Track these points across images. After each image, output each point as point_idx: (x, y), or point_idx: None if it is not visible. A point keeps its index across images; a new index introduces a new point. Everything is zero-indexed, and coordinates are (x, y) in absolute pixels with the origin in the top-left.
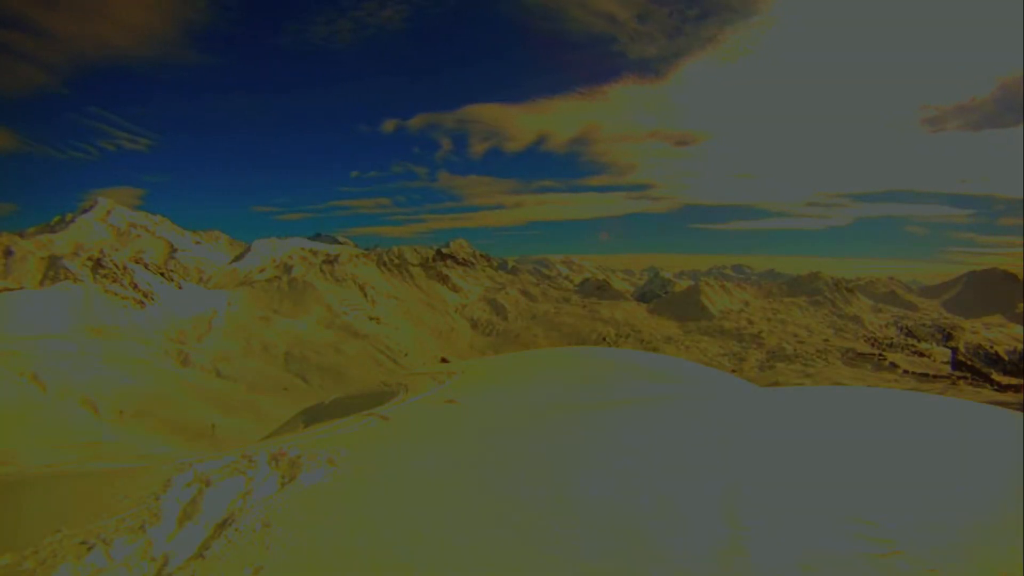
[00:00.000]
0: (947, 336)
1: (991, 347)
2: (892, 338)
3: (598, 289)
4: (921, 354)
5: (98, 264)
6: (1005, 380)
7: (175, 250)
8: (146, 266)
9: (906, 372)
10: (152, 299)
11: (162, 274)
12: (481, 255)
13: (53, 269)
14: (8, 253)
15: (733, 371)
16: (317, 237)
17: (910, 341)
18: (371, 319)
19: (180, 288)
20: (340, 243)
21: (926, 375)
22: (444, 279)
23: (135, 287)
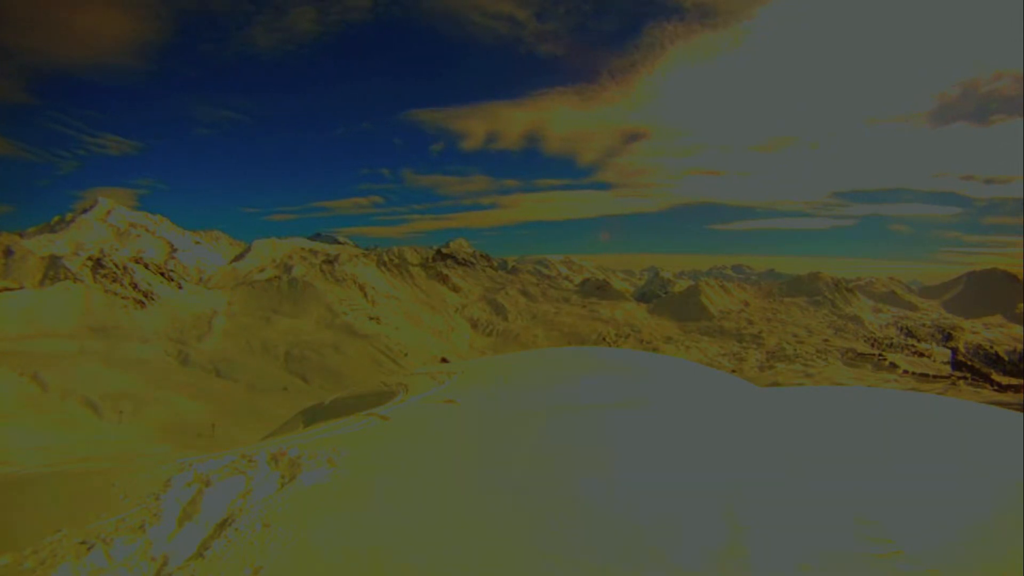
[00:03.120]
0: (947, 336)
1: (991, 347)
2: (892, 338)
3: (598, 289)
4: (921, 354)
5: (98, 264)
6: (1005, 380)
7: (175, 250)
8: (146, 266)
9: (906, 372)
10: (152, 299)
11: (162, 274)
12: (481, 255)
13: (53, 269)
14: (8, 253)
15: (733, 371)
16: (317, 237)
17: (910, 341)
18: (371, 319)
19: (180, 288)
20: (340, 243)
21: (926, 375)
22: (444, 279)
23: (135, 287)
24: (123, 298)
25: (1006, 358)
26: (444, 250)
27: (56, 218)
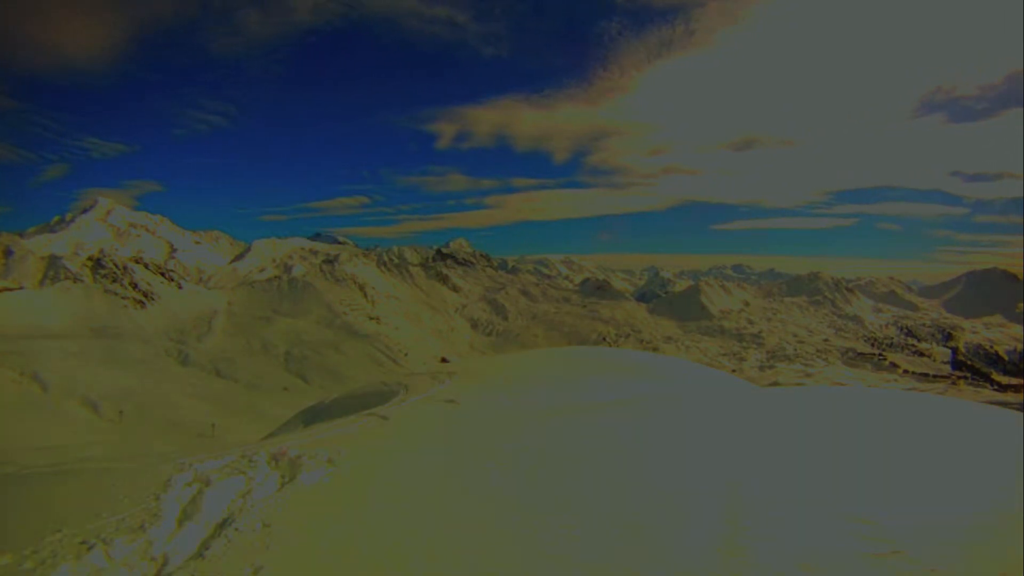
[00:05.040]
0: (947, 336)
1: (991, 347)
2: (892, 338)
3: (598, 289)
4: (921, 354)
5: (98, 264)
6: (1005, 380)
7: (175, 250)
8: (146, 266)
9: (906, 372)
10: (152, 299)
11: (162, 274)
12: (481, 255)
13: (53, 269)
14: (8, 253)
15: (733, 371)
16: (317, 237)
17: (910, 341)
18: (371, 319)
19: (180, 288)
20: (340, 243)
21: (926, 375)
22: (444, 279)
23: (135, 287)
24: (123, 298)
25: (1006, 358)
26: (444, 250)
27: (56, 218)
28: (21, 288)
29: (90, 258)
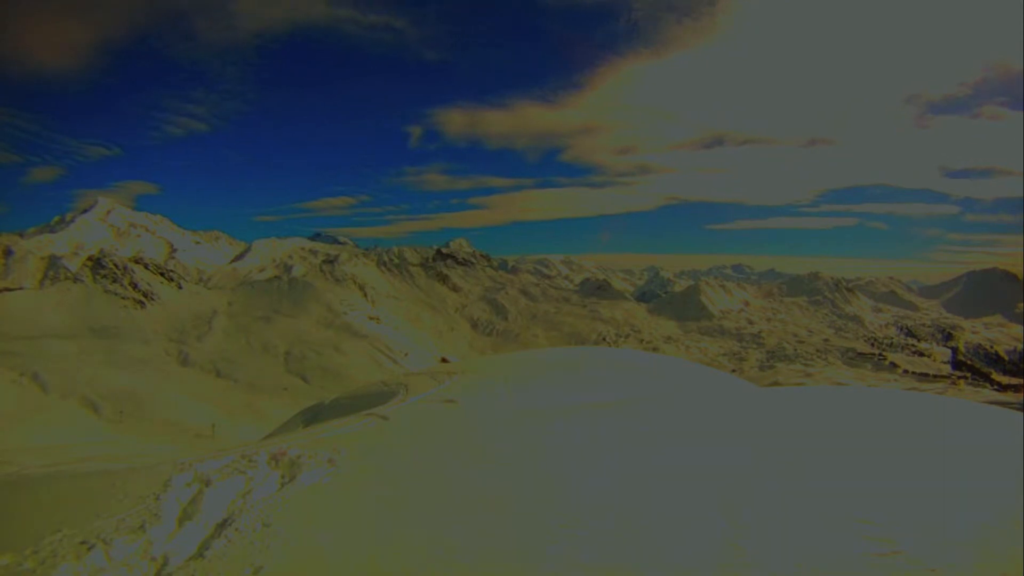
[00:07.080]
0: (947, 336)
1: (991, 347)
2: (892, 338)
3: (598, 289)
4: (921, 354)
5: (98, 264)
6: (1005, 380)
7: (175, 250)
8: (146, 266)
9: (906, 372)
10: (152, 299)
11: (162, 274)
12: (481, 255)
13: (53, 269)
14: (8, 253)
15: (733, 371)
16: (317, 237)
17: (910, 341)
18: (371, 319)
19: (180, 288)
20: (340, 243)
21: (926, 375)
22: (444, 279)
23: (135, 287)
24: (123, 298)
25: (1006, 358)
26: (444, 250)
27: (56, 218)
28: (21, 288)
29: (90, 258)
